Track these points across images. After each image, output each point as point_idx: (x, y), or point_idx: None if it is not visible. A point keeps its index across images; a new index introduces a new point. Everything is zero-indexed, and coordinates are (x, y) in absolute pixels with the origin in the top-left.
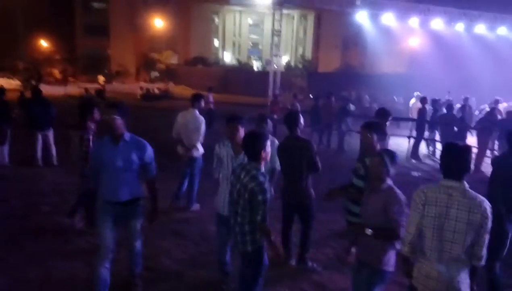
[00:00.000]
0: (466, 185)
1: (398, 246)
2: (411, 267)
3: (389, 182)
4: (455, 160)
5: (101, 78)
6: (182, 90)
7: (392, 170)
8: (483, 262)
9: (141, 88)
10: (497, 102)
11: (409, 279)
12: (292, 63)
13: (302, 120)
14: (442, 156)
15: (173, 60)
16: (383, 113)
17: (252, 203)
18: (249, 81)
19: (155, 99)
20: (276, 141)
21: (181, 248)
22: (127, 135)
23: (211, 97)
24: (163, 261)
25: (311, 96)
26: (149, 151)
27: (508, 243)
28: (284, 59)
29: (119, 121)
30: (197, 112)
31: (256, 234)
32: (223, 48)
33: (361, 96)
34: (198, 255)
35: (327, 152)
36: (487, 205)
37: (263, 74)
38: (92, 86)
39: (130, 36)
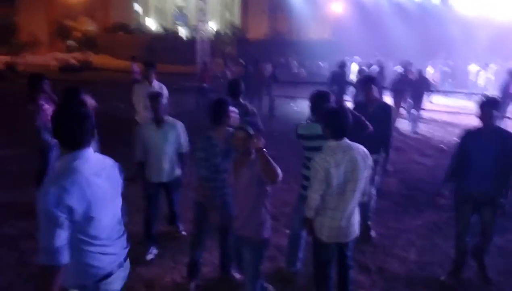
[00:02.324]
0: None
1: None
2: (313, 227)
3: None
4: (342, 121)
5: None
6: (104, 60)
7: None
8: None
9: (57, 59)
10: (409, 64)
11: (311, 235)
12: (221, 30)
13: (243, 87)
14: (329, 120)
15: (91, 27)
16: (365, 81)
17: None
18: (176, 49)
19: (75, 71)
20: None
21: None
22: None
23: (135, 67)
24: None
25: (242, 62)
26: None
27: None
28: (212, 25)
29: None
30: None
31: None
32: (146, 14)
33: (289, 62)
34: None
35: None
36: (365, 149)
37: (191, 41)
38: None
39: (40, 2)
